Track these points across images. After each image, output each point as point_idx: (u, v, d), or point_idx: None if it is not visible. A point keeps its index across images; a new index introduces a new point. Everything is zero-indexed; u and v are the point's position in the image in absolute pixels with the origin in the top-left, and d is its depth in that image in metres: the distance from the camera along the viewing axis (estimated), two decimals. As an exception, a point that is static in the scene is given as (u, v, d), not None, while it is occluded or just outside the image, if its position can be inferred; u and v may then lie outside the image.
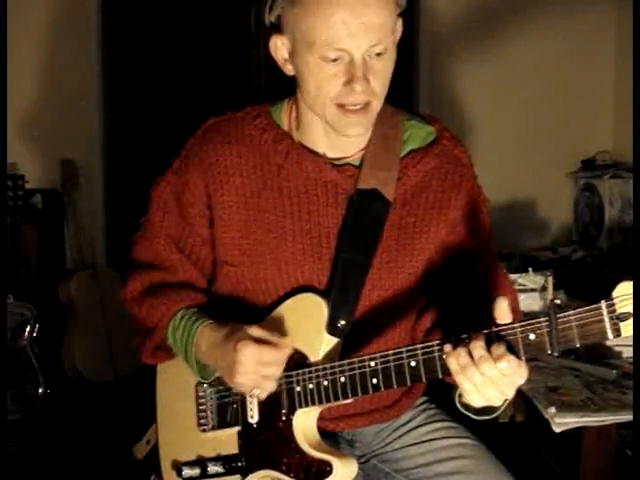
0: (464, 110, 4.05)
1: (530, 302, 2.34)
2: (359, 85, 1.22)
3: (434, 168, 1.37)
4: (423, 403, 1.51)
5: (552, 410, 1.65)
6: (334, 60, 1.22)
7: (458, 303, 1.32)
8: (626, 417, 1.66)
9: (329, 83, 1.24)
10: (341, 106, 1.25)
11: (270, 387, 1.24)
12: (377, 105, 1.28)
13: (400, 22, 1.30)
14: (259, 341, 1.21)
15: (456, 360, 1.08)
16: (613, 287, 1.02)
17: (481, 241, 1.38)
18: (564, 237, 4.09)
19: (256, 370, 1.21)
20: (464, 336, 1.11)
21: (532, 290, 2.38)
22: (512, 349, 1.07)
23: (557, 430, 1.64)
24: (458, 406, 1.21)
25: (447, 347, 1.11)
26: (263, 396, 1.26)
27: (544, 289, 2.39)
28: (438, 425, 1.45)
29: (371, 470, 1.45)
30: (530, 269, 2.47)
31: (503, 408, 1.19)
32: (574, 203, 4.05)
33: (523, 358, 1.08)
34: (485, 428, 1.23)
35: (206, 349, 1.29)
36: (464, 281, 1.34)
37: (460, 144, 1.41)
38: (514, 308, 1.34)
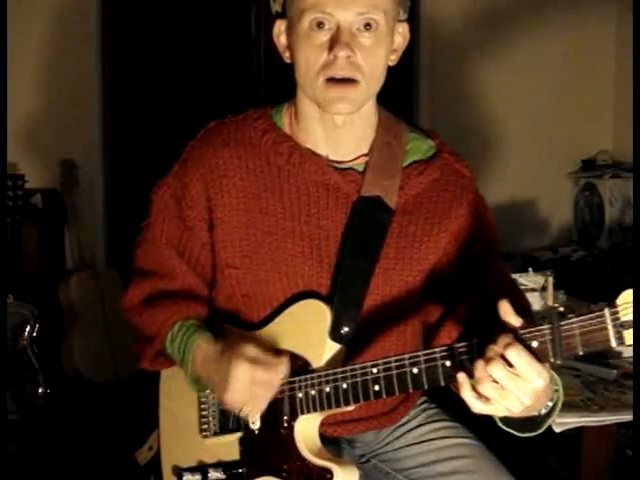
0: (464, 111, 4.05)
1: (530, 302, 2.34)
2: (341, 50, 1.22)
3: (435, 180, 1.36)
4: (423, 403, 1.51)
5: (552, 410, 1.64)
6: (320, 25, 1.23)
7: (466, 315, 1.30)
8: (626, 417, 1.66)
9: (316, 53, 1.25)
10: (327, 81, 1.25)
11: (260, 407, 1.24)
12: (364, 85, 1.27)
13: (406, 28, 1.32)
14: (254, 361, 1.21)
15: (465, 377, 1.05)
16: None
17: (484, 251, 1.37)
18: (564, 237, 4.10)
19: (248, 388, 1.21)
20: (464, 344, 1.09)
21: (532, 290, 2.38)
22: None
23: (557, 430, 1.63)
24: (499, 424, 1.16)
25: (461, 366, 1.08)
26: (252, 415, 1.26)
27: (544, 289, 2.39)
28: (438, 425, 1.45)
29: (371, 470, 1.45)
30: (530, 269, 2.47)
31: (549, 423, 1.15)
32: (574, 203, 4.05)
33: None
34: (485, 428, 1.23)
35: (201, 362, 1.30)
36: (468, 292, 1.32)
37: (460, 159, 1.41)
38: (526, 311, 1.33)
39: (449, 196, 1.36)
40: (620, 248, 3.58)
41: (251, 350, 1.22)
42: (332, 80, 1.25)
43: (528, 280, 2.42)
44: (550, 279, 2.39)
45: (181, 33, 4.09)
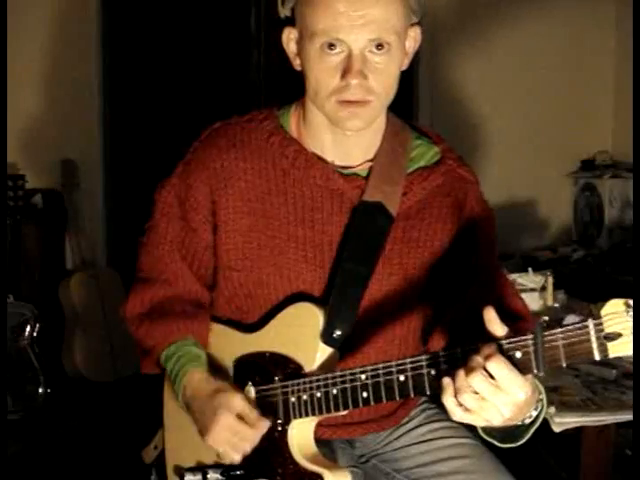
0: (464, 111, 4.05)
1: (530, 302, 2.34)
2: (354, 79, 1.21)
3: (439, 185, 1.36)
4: (423, 403, 1.51)
5: (552, 410, 1.64)
6: (332, 47, 1.21)
7: (462, 320, 1.29)
8: (626, 417, 1.66)
9: (328, 75, 1.23)
10: (339, 102, 1.24)
11: (236, 456, 1.26)
12: (378, 104, 1.27)
13: (418, 31, 1.30)
14: (240, 415, 1.23)
15: (450, 382, 1.04)
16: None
17: (485, 255, 1.37)
18: (564, 237, 4.10)
19: (228, 438, 1.24)
20: (448, 352, 1.08)
21: (532, 290, 2.38)
22: None
23: (557, 430, 1.64)
24: (481, 433, 1.17)
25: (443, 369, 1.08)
26: (226, 462, 1.27)
27: (544, 289, 2.40)
28: (438, 425, 1.44)
29: (371, 470, 1.45)
30: (530, 269, 2.48)
31: (528, 436, 1.15)
32: (574, 203, 4.05)
33: None
34: (485, 428, 1.23)
35: (190, 395, 1.31)
36: (467, 296, 1.32)
37: (464, 164, 1.40)
38: (525, 316, 1.34)
39: (452, 201, 1.36)
40: (620, 248, 3.59)
41: (239, 404, 1.24)
42: (344, 102, 1.24)
43: (528, 280, 2.43)
44: (550, 279, 2.40)
45: (181, 33, 4.09)
